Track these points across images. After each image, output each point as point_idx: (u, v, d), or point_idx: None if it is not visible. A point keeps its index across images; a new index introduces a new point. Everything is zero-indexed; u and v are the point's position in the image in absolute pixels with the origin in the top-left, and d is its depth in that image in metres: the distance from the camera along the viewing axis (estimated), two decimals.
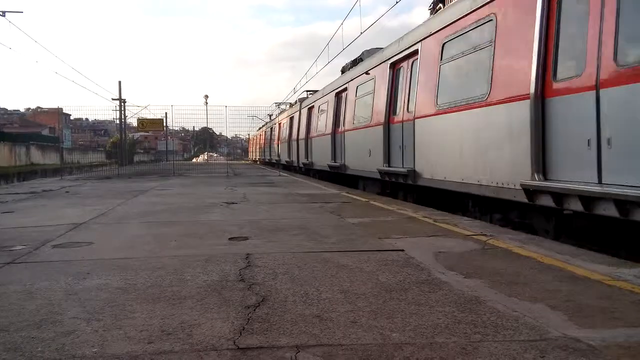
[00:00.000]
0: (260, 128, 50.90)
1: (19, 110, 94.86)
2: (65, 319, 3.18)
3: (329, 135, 17.39)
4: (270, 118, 43.44)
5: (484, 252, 5.09)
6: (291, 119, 27.42)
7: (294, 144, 26.01)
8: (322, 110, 19.21)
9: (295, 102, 28.85)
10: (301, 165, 24.02)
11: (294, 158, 26.04)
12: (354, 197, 11.25)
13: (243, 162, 59.82)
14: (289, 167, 29.13)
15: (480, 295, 3.60)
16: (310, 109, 22.20)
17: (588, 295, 3.56)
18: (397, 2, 14.11)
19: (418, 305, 3.39)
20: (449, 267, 4.42)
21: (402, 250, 5.15)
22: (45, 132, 63.32)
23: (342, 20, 25.41)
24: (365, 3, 18.29)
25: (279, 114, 37.07)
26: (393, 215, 8.05)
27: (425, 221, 7.26)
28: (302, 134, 23.23)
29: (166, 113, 25.59)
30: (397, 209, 8.72)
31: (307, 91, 26.57)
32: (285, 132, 29.73)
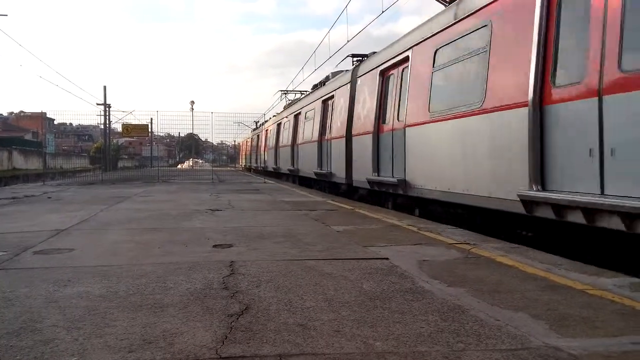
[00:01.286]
0: (256, 129, 40.65)
1: (1, 115, 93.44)
2: (45, 327, 3.13)
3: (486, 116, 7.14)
4: (256, 125, 41.80)
5: (467, 261, 5.12)
6: (324, 102, 16.73)
7: (328, 147, 15.81)
8: (416, 75, 9.62)
9: (329, 78, 17.61)
10: (340, 181, 14.37)
11: (327, 168, 15.94)
12: (340, 204, 11.26)
13: (229, 168, 59.54)
14: (307, 182, 19.70)
15: (463, 304, 3.62)
16: (369, 76, 12.40)
17: (569, 304, 3.60)
18: (382, 12, 14.37)
19: (401, 314, 3.40)
20: (432, 276, 4.44)
21: (387, 259, 5.16)
22: (28, 136, 62.41)
23: (329, 28, 25.12)
24: (352, 11, 18.24)
25: (289, 105, 26.96)
26: (378, 223, 8.07)
27: (410, 229, 7.29)
28: (348, 128, 13.65)
29: (151, 119, 25.40)
30: (382, 217, 8.75)
31: (353, 56, 15.36)
32: (311, 127, 18.51)
